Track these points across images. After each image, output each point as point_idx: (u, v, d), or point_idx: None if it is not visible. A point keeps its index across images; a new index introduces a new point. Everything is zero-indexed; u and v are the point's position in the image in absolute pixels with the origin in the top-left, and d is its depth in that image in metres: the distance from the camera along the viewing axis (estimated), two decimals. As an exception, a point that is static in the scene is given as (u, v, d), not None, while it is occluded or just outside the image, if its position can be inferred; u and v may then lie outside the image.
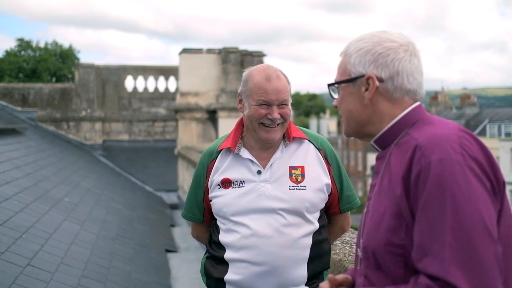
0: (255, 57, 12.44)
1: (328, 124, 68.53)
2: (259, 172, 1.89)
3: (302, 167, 1.90)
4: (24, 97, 13.01)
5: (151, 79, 15.27)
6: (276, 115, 1.85)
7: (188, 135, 12.11)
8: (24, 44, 39.64)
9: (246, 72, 1.93)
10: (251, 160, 1.90)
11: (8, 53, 38.38)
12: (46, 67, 37.26)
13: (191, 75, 11.97)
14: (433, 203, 1.13)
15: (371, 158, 41.89)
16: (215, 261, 1.92)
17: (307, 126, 68.63)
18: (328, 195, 1.93)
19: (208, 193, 1.96)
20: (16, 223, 4.65)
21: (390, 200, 1.22)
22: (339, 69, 1.39)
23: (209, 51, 12.13)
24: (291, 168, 1.90)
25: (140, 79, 15.18)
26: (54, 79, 37.32)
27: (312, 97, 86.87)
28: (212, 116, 12.24)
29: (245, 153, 1.92)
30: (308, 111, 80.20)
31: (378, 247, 1.23)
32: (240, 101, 1.92)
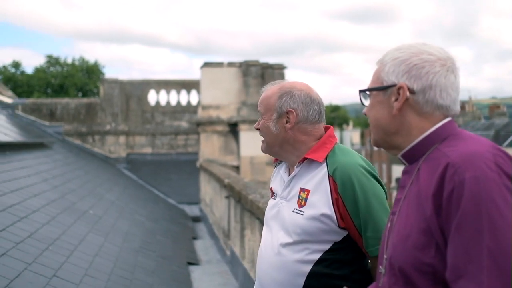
0: (276, 70, 12.56)
1: (351, 136, 68.11)
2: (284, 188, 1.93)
3: (308, 191, 1.82)
4: (51, 112, 13.35)
5: (173, 92, 15.51)
6: (255, 124, 1.98)
7: (210, 148, 12.24)
8: (52, 61, 40.75)
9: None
10: (282, 176, 1.97)
11: (37, 70, 39.48)
12: (73, 82, 38.22)
13: (213, 89, 12.13)
14: (469, 223, 1.08)
15: (396, 170, 41.42)
16: None
17: (330, 138, 68.63)
18: (343, 229, 1.78)
19: None
20: (43, 234, 4.81)
21: (419, 217, 1.19)
22: (373, 77, 1.38)
23: (230, 64, 12.29)
24: (301, 190, 1.84)
25: (163, 93, 15.43)
26: (80, 94, 38.20)
27: (335, 108, 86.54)
28: (233, 129, 12.37)
29: (281, 168, 1.99)
30: (331, 123, 79.90)
31: (405, 264, 1.19)
32: None
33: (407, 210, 1.25)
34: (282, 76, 12.74)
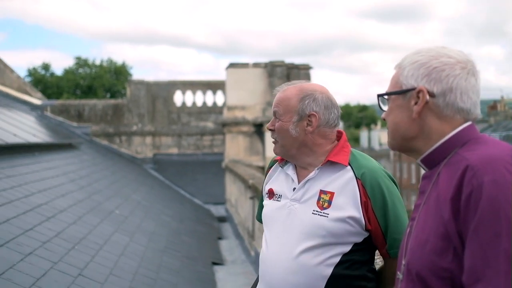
0: (301, 70, 12.52)
1: (380, 136, 67.36)
2: (294, 190, 1.87)
3: (332, 194, 1.80)
4: (79, 113, 13.58)
5: (199, 93, 15.59)
6: (268, 124, 1.91)
7: (235, 148, 12.27)
8: (81, 62, 41.49)
9: None
10: (291, 177, 1.90)
11: (66, 71, 40.25)
12: (101, 83, 38.84)
13: (238, 89, 12.15)
14: (487, 226, 1.07)
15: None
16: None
17: (357, 138, 67.54)
18: (367, 231, 1.79)
19: None
20: (69, 234, 4.88)
21: (437, 221, 1.18)
22: (391, 81, 1.36)
23: (255, 65, 12.29)
24: (321, 192, 1.81)
25: (189, 93, 15.53)
26: (108, 95, 38.79)
27: (363, 108, 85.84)
28: (258, 129, 12.37)
29: (289, 169, 1.93)
30: (359, 123, 79.29)
31: (423, 269, 1.19)
32: None
33: (425, 215, 1.23)
34: (308, 76, 12.68)
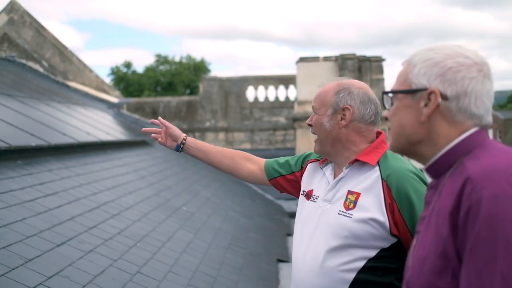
0: (373, 62, 12.15)
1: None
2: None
3: (358, 194, 1.76)
4: (154, 110, 14.01)
5: (271, 88, 15.59)
6: (308, 120, 1.92)
7: (306, 143, 12.15)
8: (161, 59, 43.05)
9: None
10: (328, 178, 1.90)
11: (147, 69, 41.94)
12: (180, 80, 40.11)
13: (308, 84, 12.01)
14: (484, 246, 0.99)
15: None
16: None
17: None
18: (394, 236, 1.72)
19: (292, 176, 2.11)
20: (132, 231, 5.01)
21: (437, 238, 1.09)
22: (398, 78, 1.27)
23: (326, 58, 12.09)
24: (349, 192, 1.79)
25: (261, 88, 15.56)
26: (188, 91, 39.94)
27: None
28: (330, 124, 12.17)
29: (328, 170, 1.92)
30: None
31: None
32: None
33: (428, 230, 1.14)
34: (380, 69, 12.29)
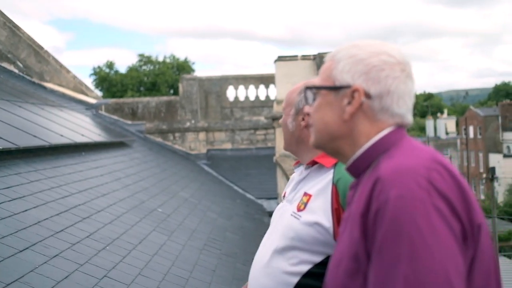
0: (352, 61, 12.17)
1: (446, 124, 65.05)
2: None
3: (310, 196, 1.74)
4: (133, 111, 13.89)
5: (251, 88, 15.54)
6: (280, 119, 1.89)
7: (286, 142, 12.12)
8: (144, 59, 42.71)
9: None
10: (295, 178, 1.90)
11: (130, 69, 41.59)
12: (164, 79, 39.83)
13: (287, 83, 11.96)
14: (388, 247, 0.97)
15: (493, 159, 39.02)
16: None
17: (423, 127, 65.69)
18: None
19: None
20: (102, 234, 4.93)
21: (350, 240, 1.07)
22: (322, 74, 1.25)
23: (304, 57, 12.07)
24: (304, 194, 1.77)
25: (241, 88, 15.51)
26: (171, 91, 39.70)
27: (428, 96, 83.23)
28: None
29: (298, 171, 1.91)
30: (424, 112, 76.89)
31: None
32: None
33: (344, 232, 1.12)
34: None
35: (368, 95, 1.14)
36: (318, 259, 1.68)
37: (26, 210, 4.45)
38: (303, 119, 1.82)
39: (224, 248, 6.85)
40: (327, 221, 1.67)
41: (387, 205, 0.98)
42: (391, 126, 1.15)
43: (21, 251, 3.67)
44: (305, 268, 1.68)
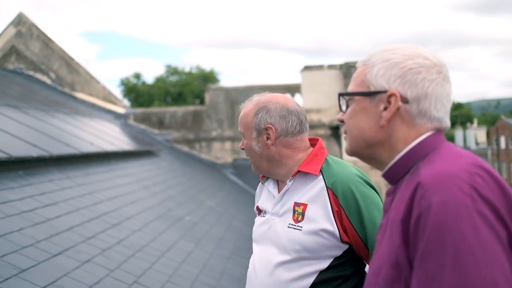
0: (379, 71, 12.14)
1: (476, 135, 63.97)
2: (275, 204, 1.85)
3: (305, 206, 1.74)
4: (160, 120, 14.08)
5: (277, 97, 15.60)
6: (240, 144, 1.90)
7: (312, 152, 12.12)
8: (171, 70, 43.31)
9: None
10: (272, 192, 1.88)
11: (157, 79, 42.20)
12: (190, 90, 40.27)
13: (313, 92, 12.01)
14: (432, 255, 0.95)
15: (525, 171, 38.22)
16: None
17: (451, 138, 64.94)
18: (346, 243, 1.71)
19: None
20: (132, 241, 5.02)
21: (390, 247, 1.05)
22: (355, 79, 1.22)
23: (330, 67, 12.09)
24: (295, 204, 1.77)
25: (267, 98, 15.58)
26: (198, 101, 40.12)
27: (458, 106, 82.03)
28: (335, 132, 12.13)
29: (269, 185, 1.90)
30: (453, 122, 75.84)
31: None
32: None
33: (383, 239, 1.10)
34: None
35: (405, 100, 1.12)
36: (325, 264, 1.70)
37: (58, 216, 4.56)
38: (267, 139, 1.82)
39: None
40: (330, 225, 1.69)
41: (430, 211, 0.96)
42: (429, 131, 1.13)
43: (54, 255, 3.77)
44: (314, 275, 1.70)
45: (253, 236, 1.93)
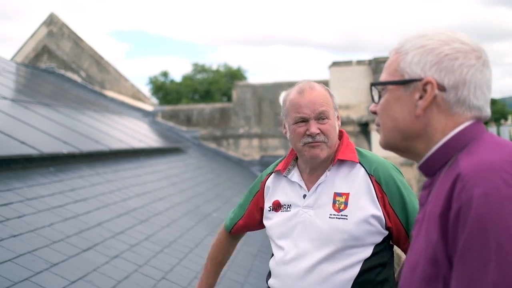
0: (408, 66, 11.95)
1: (511, 132, 62.51)
2: (304, 197, 1.79)
3: (347, 195, 1.72)
4: (188, 118, 14.16)
5: (305, 94, 15.52)
6: (314, 129, 1.73)
7: (340, 149, 12.02)
8: (198, 68, 43.56)
9: (284, 93, 1.92)
10: (299, 184, 1.82)
11: (185, 78, 42.50)
12: (217, 87, 40.44)
13: (341, 88, 11.89)
14: (474, 251, 0.89)
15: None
16: None
17: (483, 134, 64.10)
18: (388, 229, 1.71)
19: (254, 208, 2.01)
20: (160, 237, 5.05)
21: (427, 243, 0.99)
22: (388, 68, 1.14)
23: (359, 62, 11.96)
24: (336, 194, 1.73)
25: (295, 95, 15.51)
26: (225, 99, 40.28)
27: (492, 102, 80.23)
28: (364, 129, 12.00)
29: (294, 176, 1.84)
30: (485, 118, 74.27)
31: None
32: (284, 125, 1.86)
33: (420, 235, 1.04)
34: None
35: (441, 87, 1.05)
36: (368, 253, 1.69)
37: (88, 212, 4.62)
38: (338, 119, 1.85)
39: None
40: (377, 211, 1.69)
41: (471, 205, 0.90)
42: (469, 120, 1.05)
43: (84, 250, 3.81)
44: (359, 264, 1.69)
45: (275, 233, 1.85)
